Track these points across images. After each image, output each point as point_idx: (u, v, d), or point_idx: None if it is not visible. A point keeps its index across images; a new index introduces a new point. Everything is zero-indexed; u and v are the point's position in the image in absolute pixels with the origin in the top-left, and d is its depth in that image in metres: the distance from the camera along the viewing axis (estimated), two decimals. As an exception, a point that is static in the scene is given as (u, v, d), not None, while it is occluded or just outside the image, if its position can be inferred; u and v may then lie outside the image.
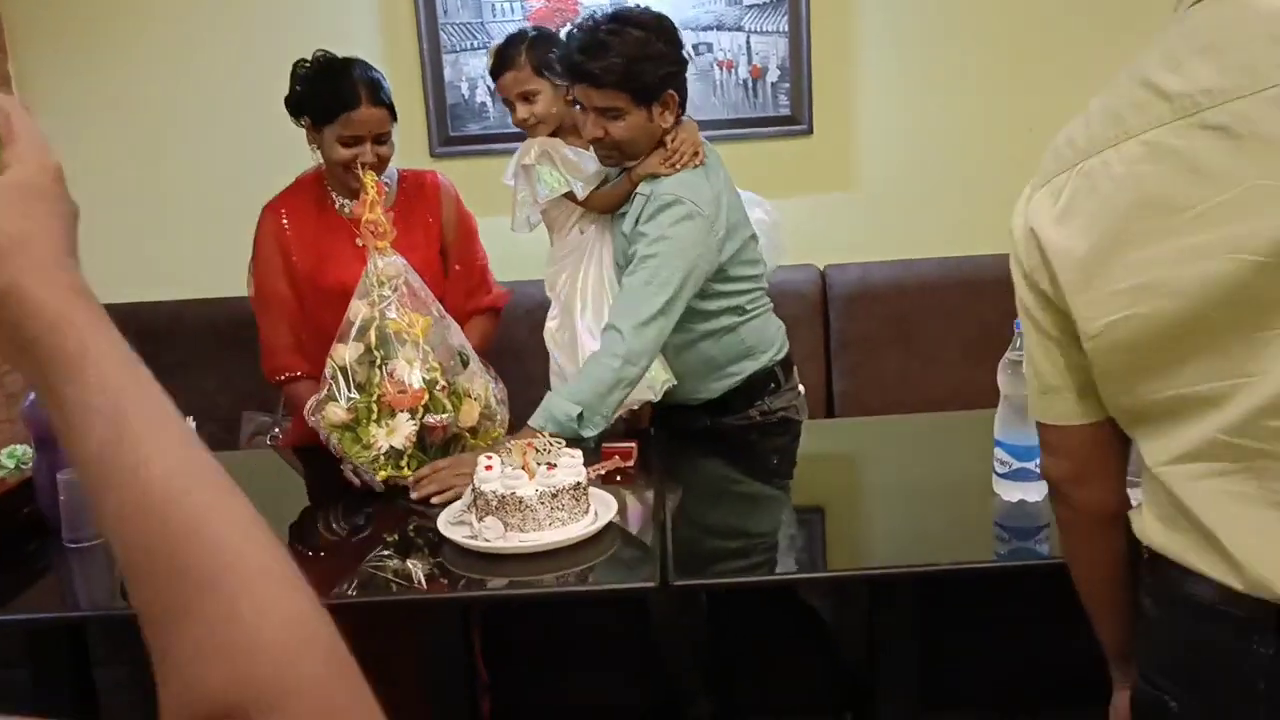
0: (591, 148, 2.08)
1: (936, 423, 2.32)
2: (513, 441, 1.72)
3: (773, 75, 3.03)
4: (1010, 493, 1.70)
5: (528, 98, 2.14)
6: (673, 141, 2.03)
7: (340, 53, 2.16)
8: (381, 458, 1.85)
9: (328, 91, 2.07)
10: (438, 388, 1.90)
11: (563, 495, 1.64)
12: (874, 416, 2.72)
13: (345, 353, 1.90)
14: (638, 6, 2.11)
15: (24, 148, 0.58)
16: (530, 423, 1.91)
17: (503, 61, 2.15)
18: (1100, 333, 0.99)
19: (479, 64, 3.02)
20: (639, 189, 2.04)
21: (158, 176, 3.14)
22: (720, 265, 2.05)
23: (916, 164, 3.12)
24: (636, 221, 2.01)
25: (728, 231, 2.04)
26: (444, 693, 1.98)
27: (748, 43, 3.02)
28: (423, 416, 1.87)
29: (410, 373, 1.87)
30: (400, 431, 1.85)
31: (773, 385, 2.19)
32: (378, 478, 1.86)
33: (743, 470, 2.10)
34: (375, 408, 1.86)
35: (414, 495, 1.85)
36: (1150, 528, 1.03)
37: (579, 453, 1.72)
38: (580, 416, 1.89)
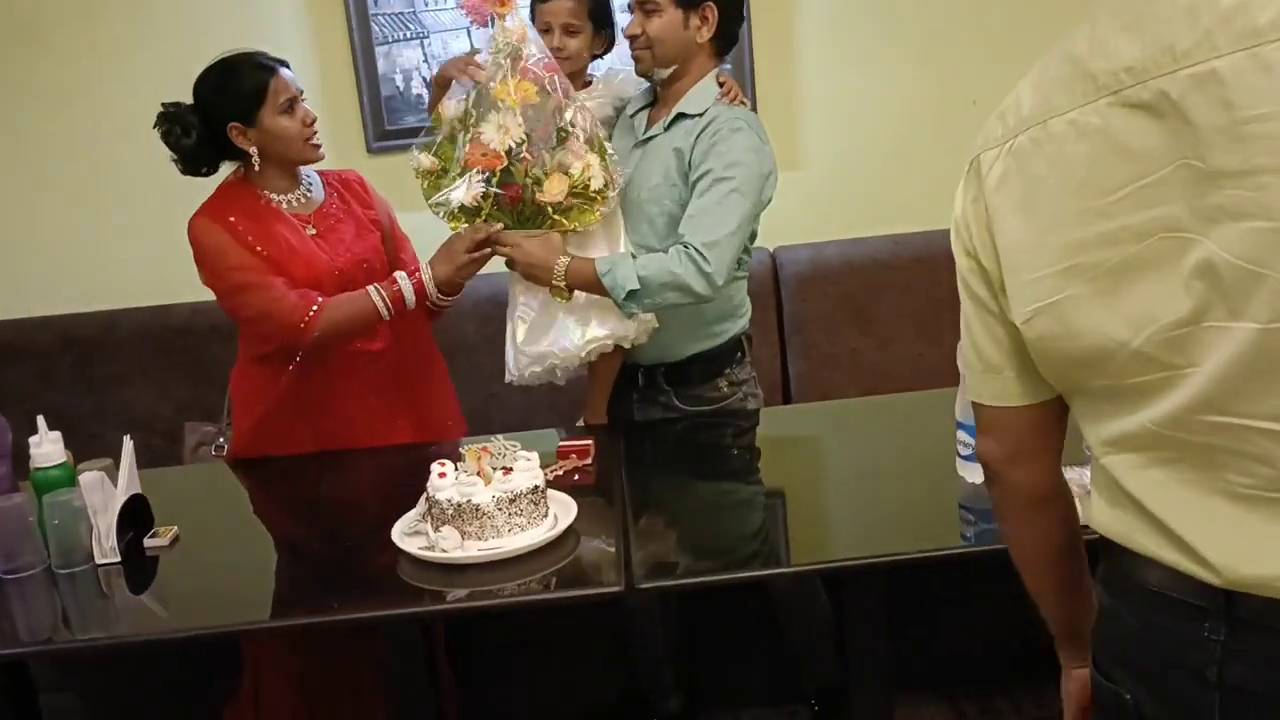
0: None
1: (895, 404, 2.31)
2: (466, 447, 1.68)
3: (714, 56, 2.98)
4: (974, 475, 1.68)
5: (571, 31, 2.12)
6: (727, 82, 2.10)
7: (268, 49, 2.11)
8: (455, 209, 1.98)
9: (239, 81, 2.04)
10: (517, 158, 1.95)
11: (521, 500, 1.60)
12: (831, 401, 2.70)
13: (450, 107, 2.02)
14: None
15: None
16: (596, 263, 1.99)
17: None
18: (1030, 317, 0.97)
19: (413, 55, 2.95)
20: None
21: (86, 183, 3.03)
22: None
23: (863, 140, 3.10)
24: (696, 140, 2.02)
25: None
26: (407, 701, 1.93)
27: (687, 23, 2.96)
28: (498, 182, 1.95)
29: (494, 138, 1.94)
30: (467, 189, 1.95)
31: (739, 355, 2.19)
32: (449, 225, 2.02)
33: (703, 463, 2.07)
34: (460, 163, 1.98)
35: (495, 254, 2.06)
36: (1099, 512, 1.00)
37: (535, 455, 1.68)
38: (634, 293, 1.95)
